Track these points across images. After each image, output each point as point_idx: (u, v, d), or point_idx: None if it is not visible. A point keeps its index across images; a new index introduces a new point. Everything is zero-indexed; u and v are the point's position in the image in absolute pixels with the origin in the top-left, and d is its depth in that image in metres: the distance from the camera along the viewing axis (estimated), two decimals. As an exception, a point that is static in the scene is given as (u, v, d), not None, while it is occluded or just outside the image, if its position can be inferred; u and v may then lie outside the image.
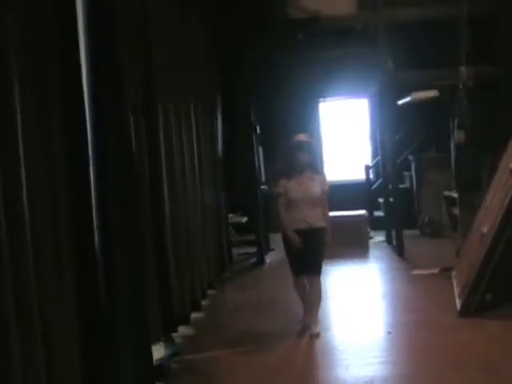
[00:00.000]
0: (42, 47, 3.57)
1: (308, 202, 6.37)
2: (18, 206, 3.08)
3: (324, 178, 6.57)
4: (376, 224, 12.21)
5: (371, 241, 11.56)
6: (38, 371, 3.13)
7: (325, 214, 6.49)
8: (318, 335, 6.27)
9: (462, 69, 9.06)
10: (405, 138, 12.22)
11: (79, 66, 3.89)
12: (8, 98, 3.06)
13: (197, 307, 7.42)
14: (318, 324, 6.43)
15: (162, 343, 5.70)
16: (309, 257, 6.34)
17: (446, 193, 11.47)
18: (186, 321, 6.79)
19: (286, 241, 6.44)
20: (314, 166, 6.51)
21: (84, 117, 3.91)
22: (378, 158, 12.43)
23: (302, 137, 6.65)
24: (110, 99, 4.17)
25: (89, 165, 3.94)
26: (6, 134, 3.02)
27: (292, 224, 6.37)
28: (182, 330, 6.59)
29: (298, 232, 6.33)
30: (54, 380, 3.30)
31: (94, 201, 3.97)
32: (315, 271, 6.41)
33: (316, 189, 6.41)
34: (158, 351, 5.42)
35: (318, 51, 11.98)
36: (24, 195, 3.13)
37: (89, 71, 4.01)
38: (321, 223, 6.40)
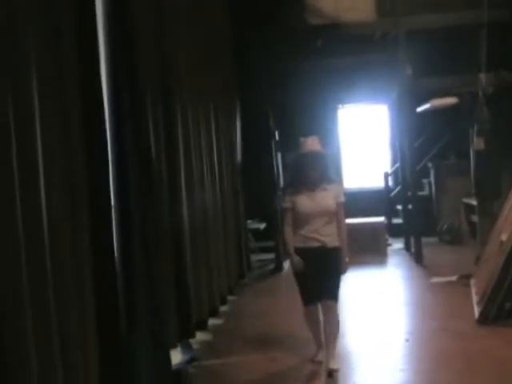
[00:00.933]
0: (60, 47, 3.60)
1: (321, 216, 5.44)
2: (36, 206, 3.11)
3: (339, 189, 5.68)
4: (395, 231, 12.21)
5: (390, 248, 11.56)
6: (57, 380, 3.16)
7: (341, 232, 5.55)
8: (336, 371, 5.41)
9: (482, 75, 9.04)
10: (424, 145, 12.19)
11: (98, 69, 3.93)
12: (28, 106, 3.10)
13: (215, 313, 7.44)
14: (337, 358, 5.57)
15: (179, 348, 5.73)
16: (323, 281, 5.39)
17: (465, 200, 11.43)
18: (203, 326, 6.81)
19: (294, 262, 5.54)
20: (327, 177, 5.54)
21: (103, 124, 3.96)
22: (397, 164, 12.40)
23: (311, 143, 5.54)
24: (128, 106, 4.22)
25: (108, 172, 3.98)
26: (25, 140, 3.06)
27: (302, 242, 5.49)
28: (200, 335, 6.60)
29: (310, 251, 5.44)
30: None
31: (113, 210, 4.02)
32: (330, 295, 5.44)
33: (330, 201, 5.48)
34: (176, 356, 5.46)
35: (337, 57, 11.98)
36: (43, 198, 3.16)
37: (108, 75, 4.05)
38: (337, 242, 5.51)
